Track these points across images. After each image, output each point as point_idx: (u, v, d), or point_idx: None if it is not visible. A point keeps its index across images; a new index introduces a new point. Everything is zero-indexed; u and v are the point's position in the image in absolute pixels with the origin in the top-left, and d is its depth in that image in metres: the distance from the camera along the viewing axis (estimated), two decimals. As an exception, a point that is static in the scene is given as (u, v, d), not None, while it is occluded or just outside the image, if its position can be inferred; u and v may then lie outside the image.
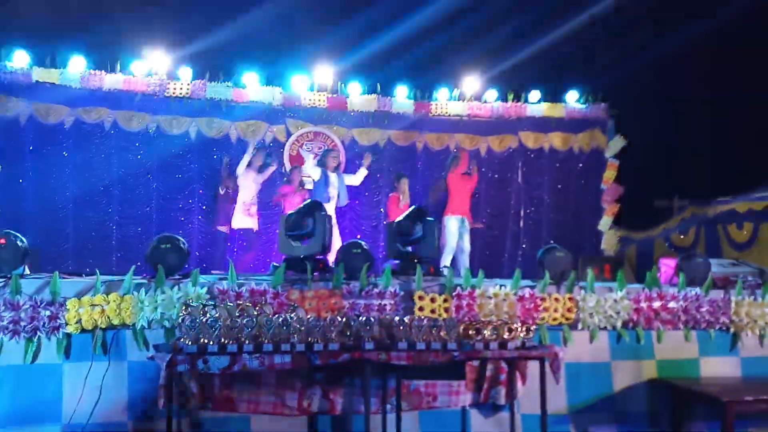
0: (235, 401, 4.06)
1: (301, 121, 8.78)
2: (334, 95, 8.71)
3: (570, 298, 4.56)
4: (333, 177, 7.92)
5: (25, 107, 7.76)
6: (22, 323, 3.87)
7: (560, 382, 4.02)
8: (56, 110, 7.86)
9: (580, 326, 4.59)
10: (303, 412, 4.16)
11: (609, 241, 9.19)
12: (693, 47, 8.75)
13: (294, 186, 7.88)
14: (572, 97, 9.31)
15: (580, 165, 9.50)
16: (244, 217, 7.76)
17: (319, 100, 8.64)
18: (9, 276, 4.02)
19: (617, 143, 9.35)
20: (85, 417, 3.92)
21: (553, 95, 9.30)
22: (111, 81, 7.91)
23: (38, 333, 3.89)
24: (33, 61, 7.74)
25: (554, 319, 4.50)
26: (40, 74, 7.73)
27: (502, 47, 9.08)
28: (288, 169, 8.33)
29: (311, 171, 8.01)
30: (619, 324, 4.62)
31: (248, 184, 7.81)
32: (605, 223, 9.27)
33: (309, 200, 5.19)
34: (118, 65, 7.94)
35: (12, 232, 4.30)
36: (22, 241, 4.23)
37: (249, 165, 7.85)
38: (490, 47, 9.06)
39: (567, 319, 4.54)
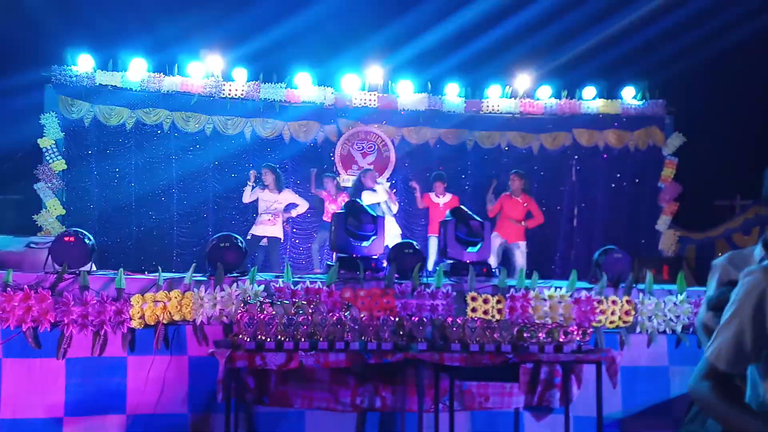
0: (291, 397, 4.14)
1: (352, 121, 8.84)
2: (385, 94, 8.74)
3: (628, 301, 4.47)
4: (377, 197, 7.44)
5: (89, 110, 8.08)
6: (90, 317, 4.04)
7: (616, 386, 3.95)
8: (118, 112, 8.16)
9: (638, 330, 4.49)
10: (355, 409, 4.21)
11: (667, 242, 8.92)
12: (755, 42, 8.40)
13: (330, 193, 7.75)
14: (629, 93, 9.07)
15: (636, 163, 9.26)
16: (259, 227, 7.30)
17: (370, 100, 8.69)
18: (77, 272, 4.21)
19: (676, 140, 9.06)
20: (148, 408, 4.07)
21: (609, 92, 9.08)
22: (169, 83, 8.15)
23: (104, 327, 4.05)
24: (96, 65, 8.05)
25: (611, 323, 4.42)
26: (102, 77, 8.04)
27: (556, 43, 8.92)
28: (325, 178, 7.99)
29: (367, 198, 7.28)
30: (679, 328, 4.49)
31: (264, 199, 7.36)
32: (663, 222, 9.00)
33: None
34: (176, 67, 8.18)
35: (80, 230, 4.51)
36: (89, 239, 4.42)
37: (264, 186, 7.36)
38: (543, 43, 8.91)
39: (624, 322, 4.44)
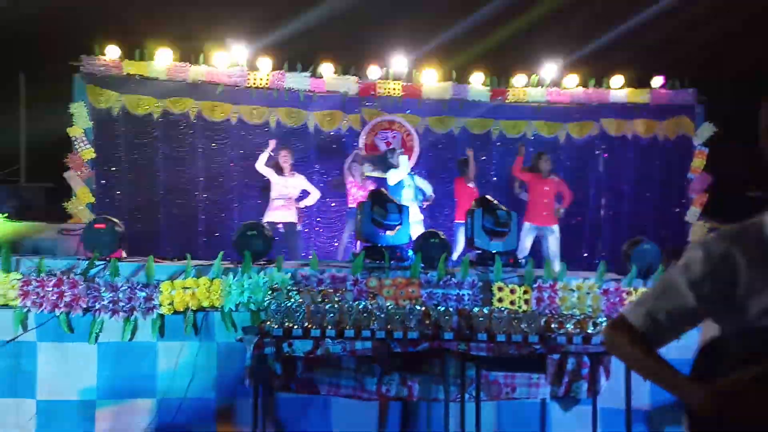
0: (317, 384, 4.18)
1: (376, 110, 8.82)
2: (409, 83, 8.70)
3: (657, 292, 4.40)
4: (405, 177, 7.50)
5: (117, 99, 8.16)
6: (121, 303, 4.12)
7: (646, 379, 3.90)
8: (145, 102, 8.23)
9: (667, 322, 4.42)
10: (381, 398, 4.23)
11: (697, 233, 8.76)
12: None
13: (356, 180, 7.79)
14: (658, 81, 8.90)
15: (665, 153, 9.11)
16: (267, 213, 7.33)
17: (394, 89, 8.65)
18: (108, 259, 4.28)
19: (707, 130, 8.88)
20: (177, 393, 4.14)
21: (638, 80, 8.92)
22: (195, 73, 8.20)
23: (135, 313, 4.13)
24: (124, 55, 8.13)
25: (640, 314, 4.36)
26: (130, 67, 8.11)
27: (584, 31, 8.77)
28: (348, 166, 8.11)
29: (393, 175, 7.42)
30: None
31: (277, 183, 7.41)
32: (693, 213, 8.85)
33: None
34: (202, 57, 8.22)
35: (110, 217, 4.58)
36: (119, 226, 4.49)
37: (280, 169, 7.39)
38: (570, 31, 8.77)
39: (654, 313, 4.38)
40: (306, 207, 7.88)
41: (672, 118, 8.98)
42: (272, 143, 7.52)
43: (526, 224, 7.28)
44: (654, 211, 9.08)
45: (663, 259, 4.92)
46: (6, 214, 5.60)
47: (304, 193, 7.59)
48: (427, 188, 7.75)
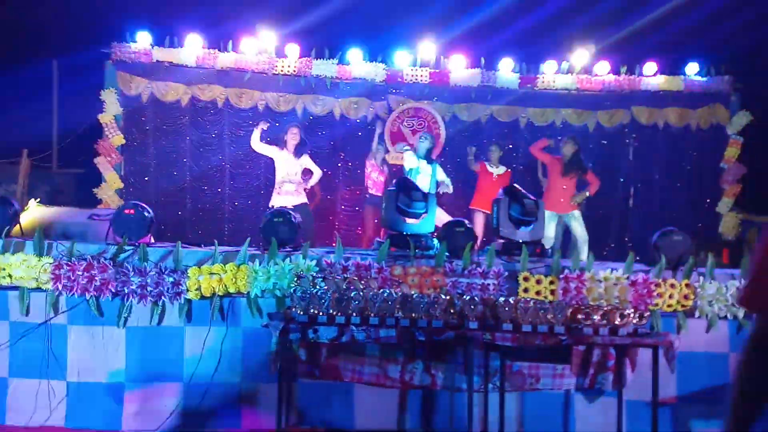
0: (341, 370, 4.20)
1: (403, 97, 8.76)
2: (437, 70, 8.62)
3: (687, 285, 4.32)
4: (423, 164, 7.18)
5: (146, 86, 8.25)
6: (149, 288, 4.18)
7: (674, 371, 3.85)
8: (174, 89, 8.31)
9: (697, 314, 4.35)
10: (405, 385, 4.24)
11: (728, 225, 8.57)
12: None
13: (376, 164, 7.72)
14: (692, 69, 8.67)
15: (698, 142, 8.90)
16: (274, 197, 7.01)
17: (422, 76, 8.58)
18: (137, 244, 4.34)
19: (742, 119, 8.64)
20: (203, 377, 4.20)
21: (671, 67, 8.70)
22: (223, 60, 8.23)
23: (163, 298, 4.18)
24: (153, 41, 8.20)
25: (669, 306, 4.29)
26: (159, 54, 8.18)
27: (616, 16, 8.58)
28: (374, 147, 7.93)
29: (408, 160, 7.19)
30: (741, 314, 4.32)
31: (281, 161, 7.06)
32: (725, 204, 8.65)
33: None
34: (230, 44, 8.25)
35: (139, 203, 4.64)
36: (148, 212, 4.55)
37: (284, 143, 7.07)
38: (602, 17, 8.58)
39: (683, 306, 4.31)
40: (313, 188, 7.51)
41: (706, 107, 8.76)
42: (263, 123, 7.23)
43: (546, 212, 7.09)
44: (685, 202, 8.90)
45: (694, 250, 4.82)
46: (39, 199, 5.73)
47: (307, 172, 7.23)
48: (446, 181, 7.44)
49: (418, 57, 8.57)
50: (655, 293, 4.28)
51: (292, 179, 6.96)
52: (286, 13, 8.43)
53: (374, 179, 7.73)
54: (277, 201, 6.89)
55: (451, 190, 7.19)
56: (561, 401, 4.34)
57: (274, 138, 7.44)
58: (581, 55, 8.63)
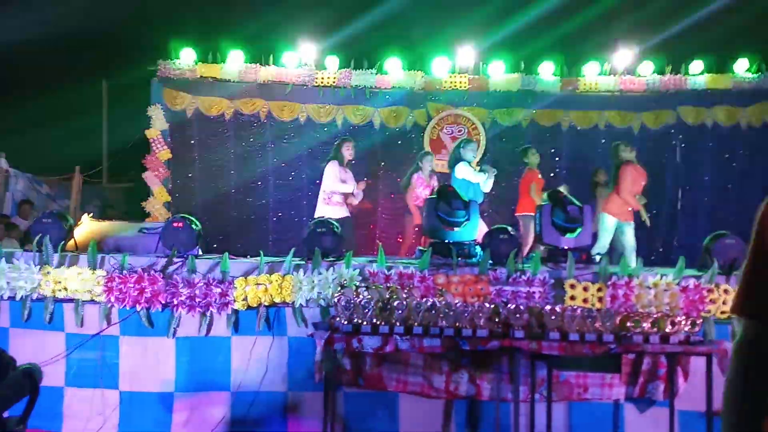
0: (385, 380, 4.19)
1: (442, 104, 8.75)
2: (476, 76, 8.58)
3: (741, 290, 4.16)
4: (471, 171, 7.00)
5: (191, 101, 8.48)
6: (197, 299, 4.26)
7: (729, 381, 3.71)
8: (218, 103, 8.51)
9: (753, 321, 4.18)
10: (450, 395, 4.20)
11: (783, 227, 8.24)
12: None
13: (424, 175, 7.44)
14: (741, 66, 8.40)
15: (749, 141, 8.61)
16: (322, 207, 6.91)
17: (460, 82, 8.57)
18: (186, 256, 4.45)
19: (796, 115, 8.34)
20: (251, 386, 4.26)
21: (719, 65, 8.44)
22: (265, 73, 8.41)
23: (211, 308, 4.26)
24: (197, 58, 8.42)
25: (723, 313, 4.14)
26: (203, 70, 8.40)
27: (659, 16, 8.40)
28: (419, 157, 7.65)
29: (472, 176, 6.93)
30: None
31: (331, 173, 6.93)
32: (779, 206, 8.31)
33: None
34: (271, 57, 8.41)
35: (187, 216, 4.75)
36: (196, 224, 4.65)
37: (337, 155, 6.96)
38: (645, 16, 8.41)
39: (738, 312, 4.15)
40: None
41: (757, 104, 8.48)
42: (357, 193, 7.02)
43: (610, 219, 6.84)
44: (736, 203, 8.60)
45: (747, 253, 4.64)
46: (91, 214, 5.93)
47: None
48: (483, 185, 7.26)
49: (456, 63, 8.56)
50: (707, 299, 4.14)
51: (342, 191, 6.89)
52: (326, 26, 8.57)
53: (418, 194, 7.53)
54: (324, 211, 6.81)
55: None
56: (610, 411, 4.23)
57: (319, 150, 7.39)
58: (624, 55, 8.48)
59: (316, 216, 6.77)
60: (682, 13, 8.32)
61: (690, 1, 8.29)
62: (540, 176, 7.57)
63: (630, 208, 6.86)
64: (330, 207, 6.87)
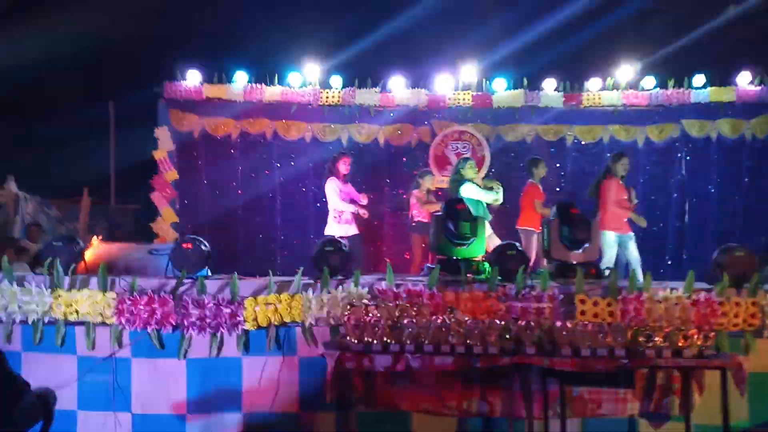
0: (396, 399, 4.19)
1: (446, 121, 8.79)
2: (479, 93, 8.64)
3: (753, 303, 4.15)
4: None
5: (197, 122, 8.54)
6: (207, 320, 4.27)
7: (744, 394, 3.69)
8: (224, 124, 8.57)
9: (765, 334, 4.17)
10: (462, 413, 4.19)
11: (792, 238, 8.22)
12: None
13: (423, 192, 7.58)
14: (744, 78, 8.43)
15: (754, 153, 8.61)
16: (333, 225, 6.92)
17: (464, 99, 8.61)
18: (195, 277, 4.46)
19: (801, 126, 8.34)
20: (263, 407, 4.25)
21: (722, 78, 8.48)
22: (270, 93, 8.47)
23: (221, 329, 4.27)
24: (203, 79, 8.50)
25: (735, 326, 4.12)
26: (209, 91, 8.47)
27: (662, 30, 8.46)
28: (420, 175, 7.79)
29: (478, 194, 6.86)
30: (814, 332, 4.12)
31: (331, 190, 6.97)
32: (787, 217, 8.31)
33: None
34: (276, 78, 8.49)
35: (197, 237, 4.77)
36: (205, 245, 4.68)
37: (333, 171, 7.02)
38: (646, 33, 8.49)
39: (750, 325, 4.14)
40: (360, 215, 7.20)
41: (761, 116, 8.49)
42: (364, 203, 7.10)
43: (610, 234, 6.84)
44: (743, 215, 8.59)
45: (758, 266, 4.64)
46: (100, 236, 5.96)
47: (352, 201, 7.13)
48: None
49: (459, 81, 8.62)
50: (719, 312, 4.13)
51: (348, 209, 6.93)
52: (329, 46, 8.64)
53: (419, 209, 7.62)
54: (335, 229, 6.82)
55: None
56: (625, 426, 4.21)
57: (325, 169, 7.36)
58: (626, 70, 8.52)
59: (326, 234, 6.82)
60: (684, 28, 8.38)
61: (691, 16, 8.36)
62: (541, 190, 7.58)
63: (626, 219, 6.86)
64: (340, 225, 6.91)
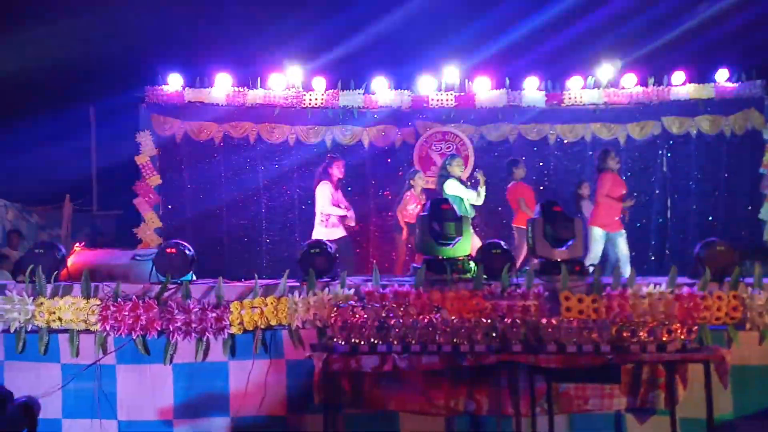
0: (384, 399, 4.18)
1: (430, 122, 8.83)
2: (462, 93, 8.68)
3: (735, 296, 4.21)
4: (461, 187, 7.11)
5: (179, 126, 8.49)
6: (193, 324, 4.24)
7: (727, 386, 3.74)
8: (207, 127, 8.52)
9: (747, 326, 4.23)
10: (450, 412, 4.20)
11: (772, 232, 8.35)
12: None
13: (416, 192, 7.50)
14: (722, 75, 8.56)
15: (733, 149, 8.74)
16: (320, 229, 6.84)
17: (447, 100, 8.65)
18: (180, 282, 4.43)
19: (779, 121, 8.48)
20: (251, 410, 4.23)
21: (700, 75, 8.60)
22: (253, 96, 8.45)
23: (207, 333, 4.24)
24: (185, 83, 8.45)
25: (717, 319, 4.18)
26: (191, 95, 8.43)
27: (641, 31, 8.56)
28: (410, 175, 7.68)
29: (462, 191, 7.05)
30: (793, 323, 4.19)
31: (323, 194, 6.88)
32: (767, 211, 8.43)
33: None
34: (259, 80, 8.46)
35: (181, 242, 4.74)
36: (189, 249, 4.64)
37: (327, 175, 6.93)
38: (627, 32, 8.57)
39: (732, 318, 4.20)
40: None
41: (739, 112, 8.63)
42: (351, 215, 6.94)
43: (598, 230, 6.88)
44: (724, 211, 8.72)
45: (738, 260, 4.71)
46: (83, 243, 5.90)
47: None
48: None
49: (442, 81, 8.66)
50: (701, 307, 4.18)
51: (337, 214, 6.84)
52: (312, 48, 8.63)
53: (410, 211, 7.55)
54: (322, 232, 6.73)
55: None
56: (612, 422, 4.24)
57: (309, 171, 7.32)
58: (607, 69, 8.61)
59: (313, 237, 6.73)
60: (663, 27, 8.48)
61: (670, 15, 8.46)
62: (527, 189, 7.64)
63: (617, 217, 6.92)
64: (327, 229, 6.82)
